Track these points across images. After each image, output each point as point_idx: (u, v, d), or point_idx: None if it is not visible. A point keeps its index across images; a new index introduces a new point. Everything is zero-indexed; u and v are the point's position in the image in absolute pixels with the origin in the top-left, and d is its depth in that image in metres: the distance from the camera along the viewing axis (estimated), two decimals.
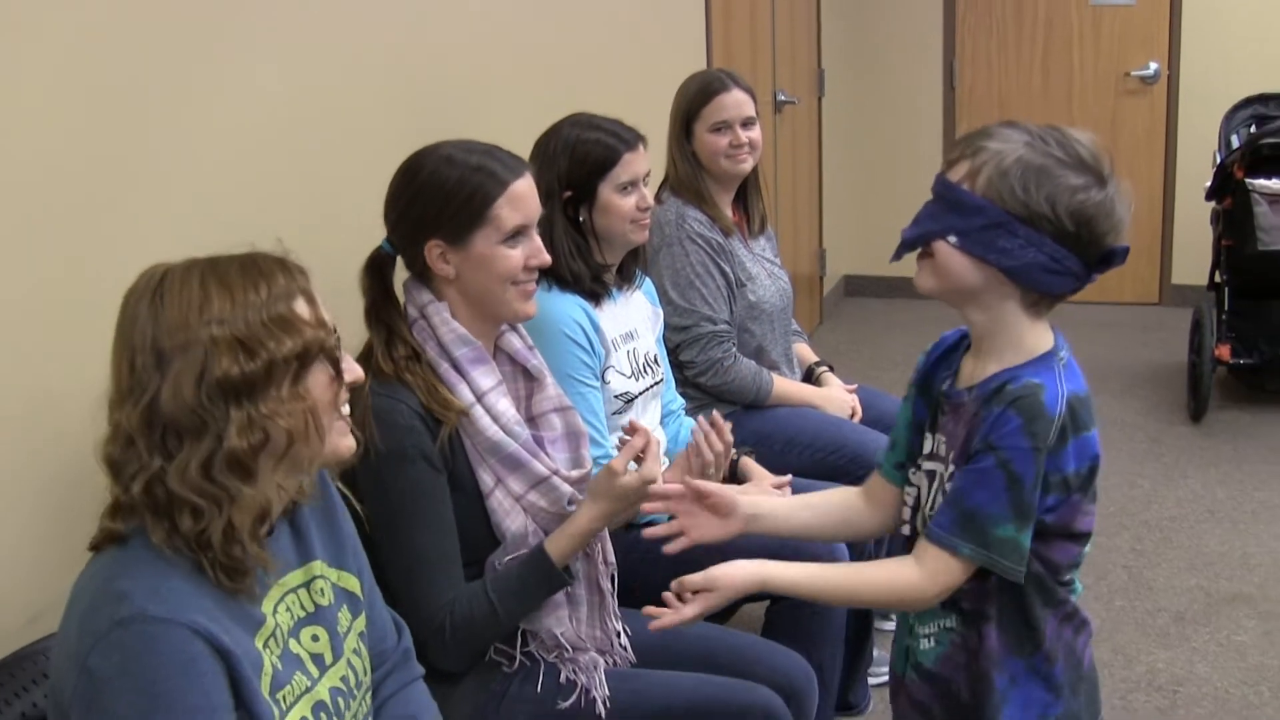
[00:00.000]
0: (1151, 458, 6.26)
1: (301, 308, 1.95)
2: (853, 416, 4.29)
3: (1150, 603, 4.88)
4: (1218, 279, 6.88)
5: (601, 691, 2.66)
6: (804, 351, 4.60)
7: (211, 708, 1.84)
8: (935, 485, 2.32)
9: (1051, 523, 2.21)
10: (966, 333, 2.37)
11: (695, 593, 2.31)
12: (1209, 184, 6.70)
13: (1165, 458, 6.25)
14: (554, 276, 3.29)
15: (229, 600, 1.93)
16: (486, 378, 2.70)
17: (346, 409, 2.07)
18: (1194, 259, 8.40)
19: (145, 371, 1.89)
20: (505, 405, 2.71)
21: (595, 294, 3.38)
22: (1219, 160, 6.70)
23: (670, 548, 2.49)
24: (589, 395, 3.26)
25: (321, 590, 2.16)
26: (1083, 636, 2.36)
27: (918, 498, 2.38)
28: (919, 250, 2.26)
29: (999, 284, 2.20)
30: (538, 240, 2.74)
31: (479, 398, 2.67)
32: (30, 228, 2.28)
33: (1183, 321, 7.18)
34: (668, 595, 2.33)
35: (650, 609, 2.34)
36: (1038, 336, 2.25)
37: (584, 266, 3.37)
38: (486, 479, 2.69)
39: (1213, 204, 6.78)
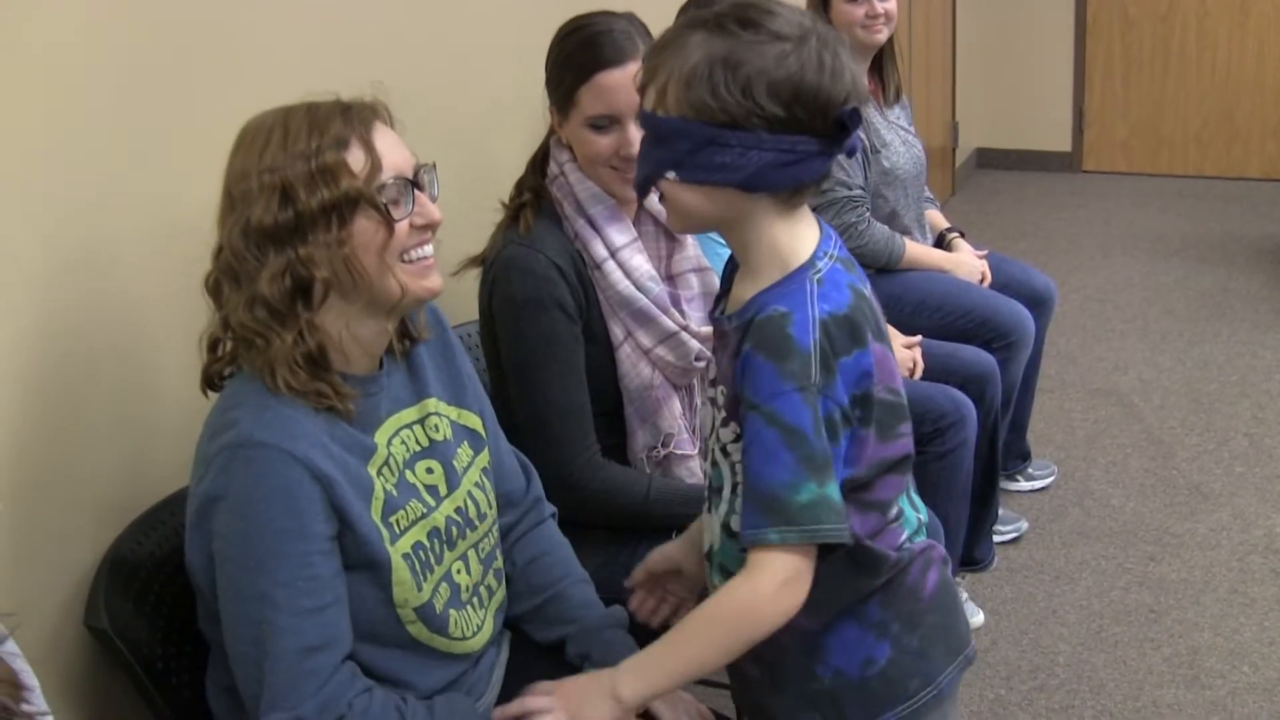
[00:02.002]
0: (1275, 329, 6.05)
1: (355, 156, 1.89)
2: (982, 281, 4.22)
3: (1269, 469, 4.73)
4: None
5: None
6: (935, 218, 4.51)
7: (303, 533, 1.84)
8: (717, 413, 1.92)
9: (860, 474, 1.82)
10: None
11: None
12: None
13: None
14: None
15: (337, 426, 1.93)
16: (621, 234, 2.62)
17: (427, 249, 2.00)
18: None
19: (223, 216, 1.92)
20: (639, 261, 2.63)
21: None
22: None
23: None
24: (725, 255, 3.18)
25: (436, 426, 2.14)
26: (915, 566, 1.94)
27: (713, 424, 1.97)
28: (660, 193, 1.85)
29: (741, 200, 1.78)
30: (630, 133, 2.55)
31: (612, 253, 2.61)
32: (172, 57, 2.28)
33: None
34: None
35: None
36: (796, 243, 1.82)
37: None
38: (617, 331, 2.63)
39: None
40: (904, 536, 1.93)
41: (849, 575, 1.88)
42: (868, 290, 1.86)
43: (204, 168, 1.96)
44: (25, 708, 1.46)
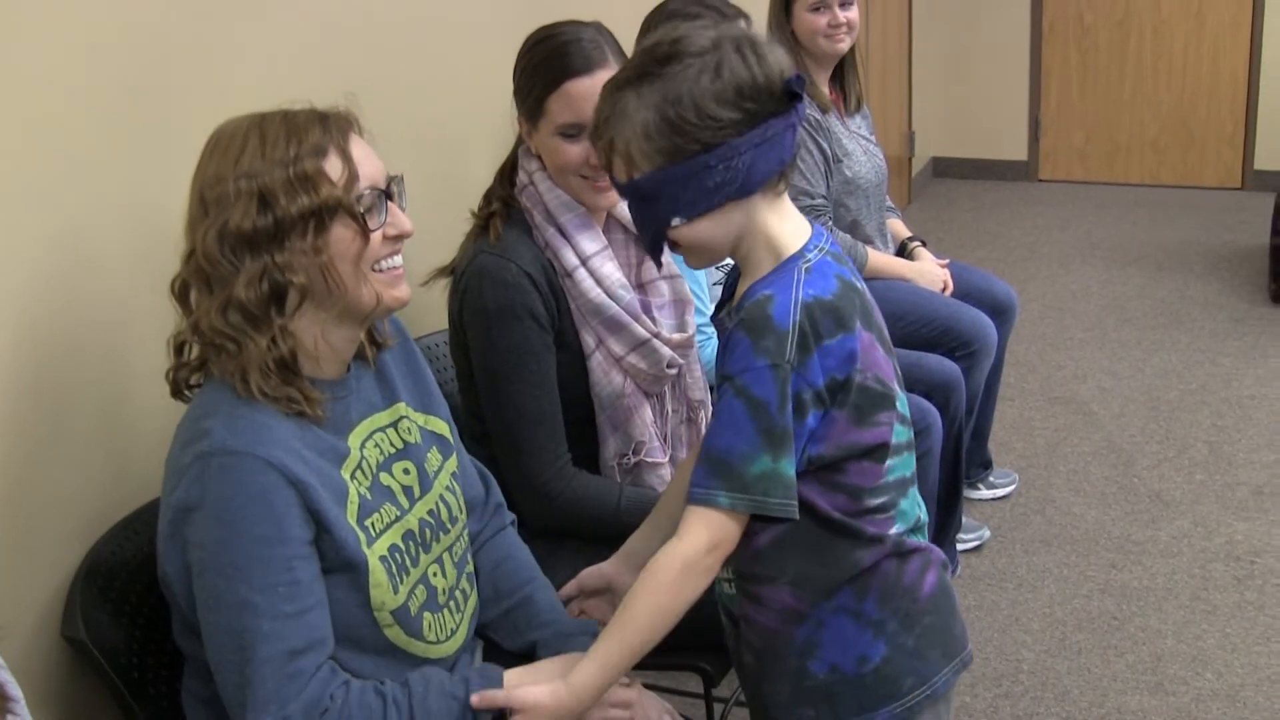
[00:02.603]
0: (1233, 337, 6.13)
1: (332, 164, 1.92)
2: (944, 290, 4.25)
3: (1230, 476, 4.80)
4: None
5: None
6: (897, 227, 4.55)
7: (282, 538, 1.87)
8: None
9: (826, 453, 1.89)
10: None
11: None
12: None
13: (1246, 337, 6.12)
14: None
15: (309, 431, 1.95)
16: (591, 242, 2.65)
17: (397, 260, 2.03)
18: (1277, 145, 8.26)
19: (194, 220, 1.93)
20: (610, 269, 2.65)
21: None
22: None
23: None
24: None
25: (409, 430, 2.17)
26: (913, 564, 2.01)
27: None
28: (672, 243, 1.94)
29: (742, 209, 1.89)
30: None
31: (583, 261, 2.63)
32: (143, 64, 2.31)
33: (1265, 206, 7.03)
34: None
35: None
36: (788, 238, 1.92)
37: None
38: (589, 340, 2.65)
39: None
40: (895, 529, 1.99)
41: (823, 549, 1.95)
42: (860, 284, 1.96)
43: (185, 175, 1.97)
44: (11, 719, 1.48)
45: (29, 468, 2.08)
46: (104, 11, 2.20)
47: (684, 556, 1.88)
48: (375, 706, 1.93)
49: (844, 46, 4.12)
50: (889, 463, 1.96)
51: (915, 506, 2.04)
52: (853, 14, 4.09)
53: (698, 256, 1.96)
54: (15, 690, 1.63)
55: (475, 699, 1.97)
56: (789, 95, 1.86)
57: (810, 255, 1.91)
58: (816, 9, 4.05)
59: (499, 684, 1.99)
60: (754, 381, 1.82)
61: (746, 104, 1.83)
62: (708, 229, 1.89)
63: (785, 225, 1.94)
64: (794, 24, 4.08)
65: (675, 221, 1.89)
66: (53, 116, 2.11)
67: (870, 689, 2.00)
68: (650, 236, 1.94)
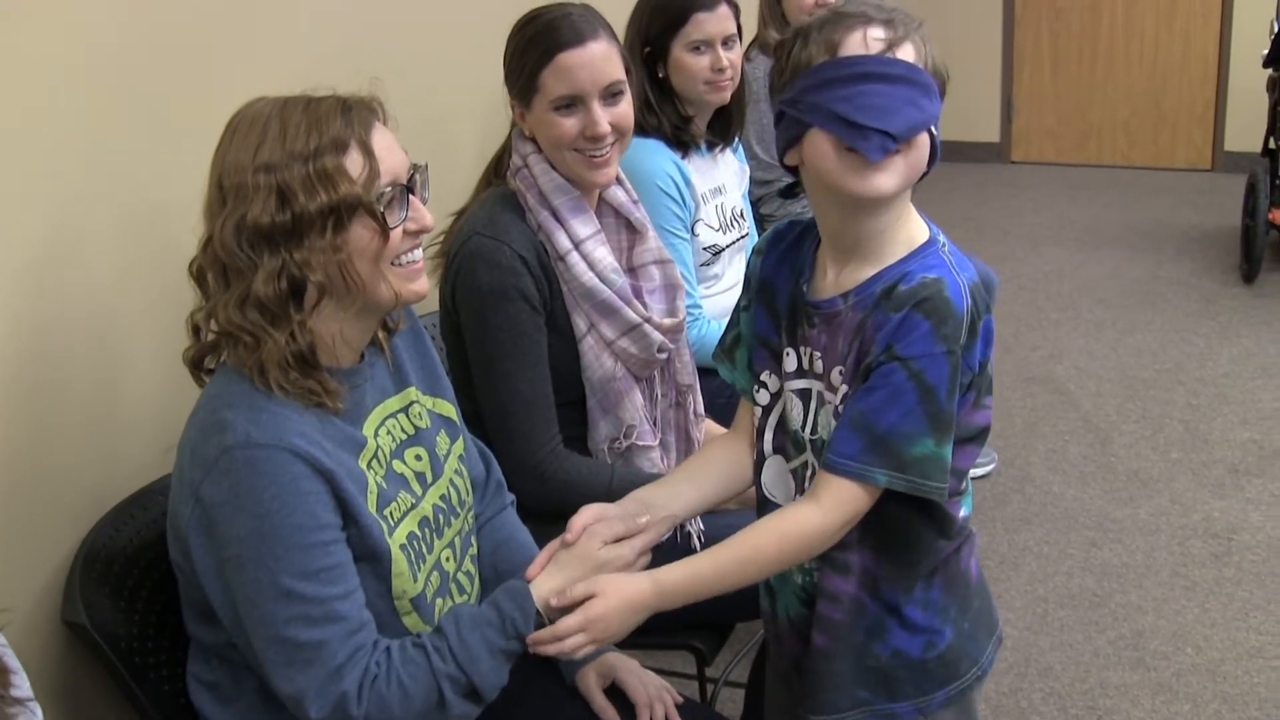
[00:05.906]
0: (1206, 317, 6.17)
1: (353, 159, 1.87)
2: None
3: (1205, 455, 4.82)
4: (1272, 145, 6.68)
5: (697, 526, 2.64)
6: None
7: (317, 525, 1.84)
8: (814, 405, 1.96)
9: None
10: (803, 226, 2.01)
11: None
12: (1266, 51, 6.52)
13: (1219, 317, 6.15)
14: (637, 128, 3.25)
15: (328, 423, 1.93)
16: (584, 226, 2.64)
17: (416, 254, 2.00)
18: (1247, 126, 8.28)
19: (213, 206, 1.89)
20: (603, 253, 2.65)
21: (683, 143, 3.34)
22: (1277, 28, 6.52)
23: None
24: (680, 246, 3.21)
25: (419, 414, 2.16)
26: (967, 549, 2.03)
27: (782, 418, 2.03)
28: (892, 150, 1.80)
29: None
30: (596, 112, 2.59)
31: (576, 245, 2.62)
32: (147, 51, 2.29)
33: (1235, 187, 7.07)
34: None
35: (535, 634, 1.92)
36: (914, 225, 1.89)
37: (663, 120, 3.34)
38: (580, 323, 2.65)
39: (1269, 71, 6.62)
40: (964, 512, 2.00)
41: (931, 536, 1.94)
42: None
43: (177, 161, 1.96)
44: (14, 692, 1.48)
45: (25, 452, 2.07)
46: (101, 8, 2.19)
47: (823, 527, 1.85)
48: (418, 658, 1.91)
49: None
50: (982, 446, 1.98)
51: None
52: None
53: (904, 178, 1.82)
54: (15, 663, 1.63)
55: (554, 600, 1.93)
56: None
57: (942, 239, 1.89)
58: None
59: (526, 597, 1.95)
60: (930, 367, 1.77)
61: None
62: (925, 156, 1.84)
63: (910, 215, 1.90)
64: (784, 5, 4.08)
65: (933, 128, 1.82)
66: (41, 107, 2.09)
67: (931, 673, 2.01)
68: (911, 123, 1.78)
